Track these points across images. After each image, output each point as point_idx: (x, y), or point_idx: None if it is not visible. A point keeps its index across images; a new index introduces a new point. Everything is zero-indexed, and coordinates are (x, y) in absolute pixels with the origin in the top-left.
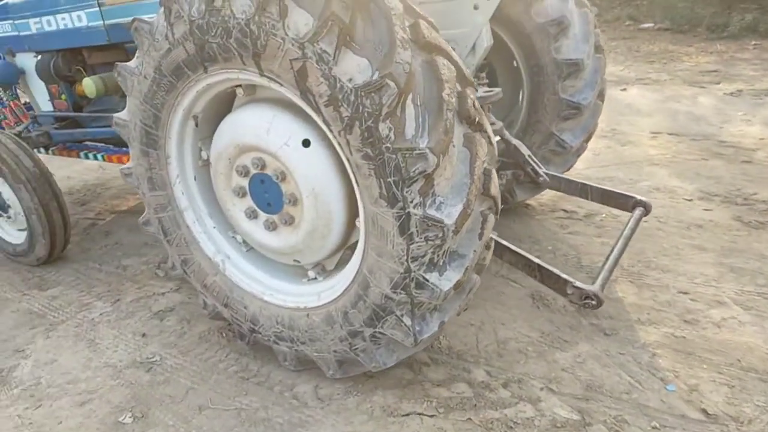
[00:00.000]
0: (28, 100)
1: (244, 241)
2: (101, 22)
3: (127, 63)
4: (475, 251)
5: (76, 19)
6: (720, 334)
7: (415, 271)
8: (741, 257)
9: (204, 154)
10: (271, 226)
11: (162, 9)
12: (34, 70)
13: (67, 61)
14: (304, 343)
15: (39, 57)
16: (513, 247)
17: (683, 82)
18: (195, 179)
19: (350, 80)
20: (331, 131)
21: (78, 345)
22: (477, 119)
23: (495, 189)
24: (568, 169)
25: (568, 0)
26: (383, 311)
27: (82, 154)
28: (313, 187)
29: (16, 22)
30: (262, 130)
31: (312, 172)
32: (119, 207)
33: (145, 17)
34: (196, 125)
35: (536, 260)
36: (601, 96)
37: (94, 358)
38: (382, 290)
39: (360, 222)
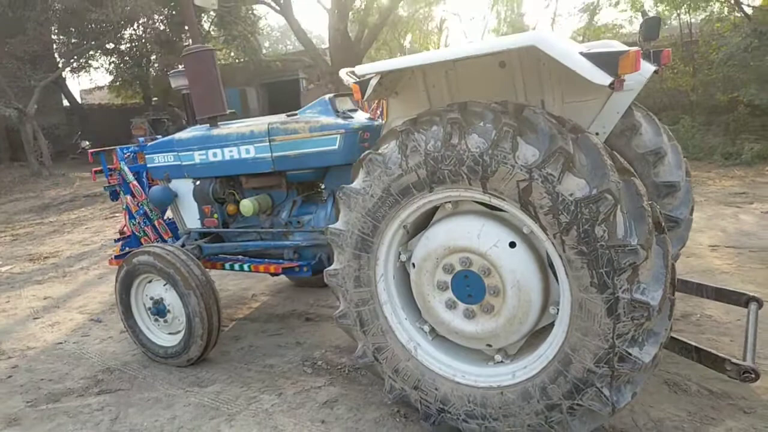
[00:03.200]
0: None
1: (430, 331)
2: (269, 154)
3: (352, 185)
4: (665, 329)
5: (244, 152)
6: None
7: (619, 347)
8: None
9: (403, 257)
10: (470, 315)
11: (397, 143)
12: (191, 194)
13: (224, 185)
14: (497, 419)
15: (198, 182)
16: None
17: (718, 203)
18: (393, 277)
19: (571, 195)
20: (546, 234)
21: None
22: (663, 224)
23: (675, 279)
24: None
25: (662, 135)
26: (584, 384)
27: (227, 265)
28: (517, 280)
29: (180, 153)
30: (473, 235)
31: (517, 267)
32: (236, 315)
33: (378, 151)
34: (407, 232)
35: (692, 342)
36: (691, 212)
37: None
38: (585, 365)
39: (561, 307)
